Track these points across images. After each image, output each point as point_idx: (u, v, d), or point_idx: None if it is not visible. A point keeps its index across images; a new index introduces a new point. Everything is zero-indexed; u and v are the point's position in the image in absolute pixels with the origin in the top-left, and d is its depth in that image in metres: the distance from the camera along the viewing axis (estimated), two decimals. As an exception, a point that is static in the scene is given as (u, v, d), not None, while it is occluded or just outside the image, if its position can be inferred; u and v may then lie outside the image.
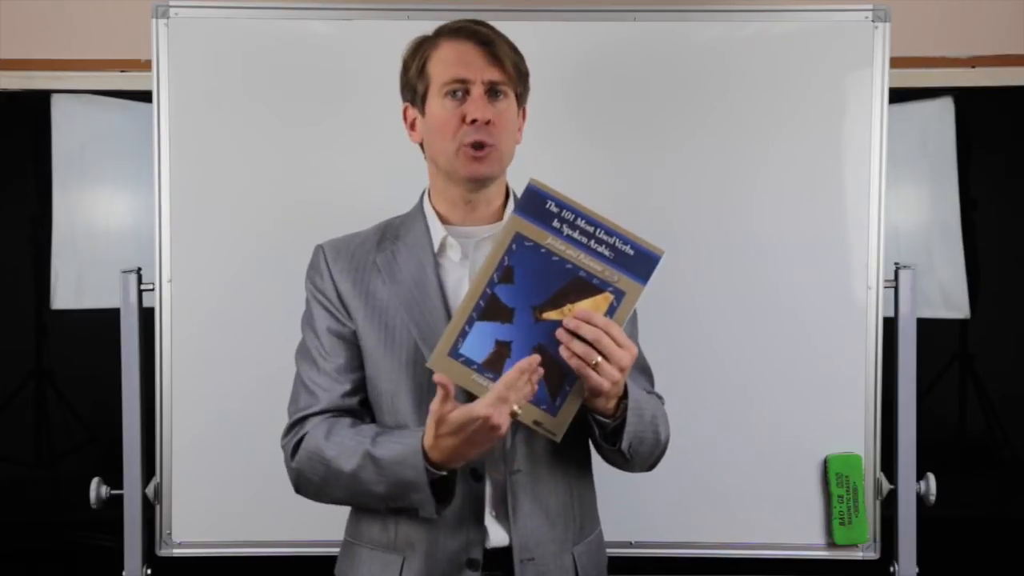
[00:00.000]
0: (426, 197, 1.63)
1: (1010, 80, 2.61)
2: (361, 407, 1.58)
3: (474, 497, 1.53)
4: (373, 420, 1.58)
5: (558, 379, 1.43)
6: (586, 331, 1.39)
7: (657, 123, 2.14)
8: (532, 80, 1.62)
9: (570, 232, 1.44)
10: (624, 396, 1.47)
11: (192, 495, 2.14)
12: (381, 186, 2.04)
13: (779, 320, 2.14)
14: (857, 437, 2.15)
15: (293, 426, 1.57)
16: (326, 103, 2.12)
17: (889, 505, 2.16)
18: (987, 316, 2.72)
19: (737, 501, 2.16)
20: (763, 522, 2.17)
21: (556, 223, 1.44)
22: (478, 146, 1.52)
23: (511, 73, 1.54)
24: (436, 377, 1.37)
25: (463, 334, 1.43)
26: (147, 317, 2.12)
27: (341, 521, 1.68)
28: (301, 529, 2.10)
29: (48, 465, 2.83)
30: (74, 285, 2.62)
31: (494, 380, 1.42)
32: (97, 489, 2.11)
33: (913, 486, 2.14)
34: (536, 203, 1.44)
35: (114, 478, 2.12)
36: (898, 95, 2.33)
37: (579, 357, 1.39)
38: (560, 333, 1.40)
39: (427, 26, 1.61)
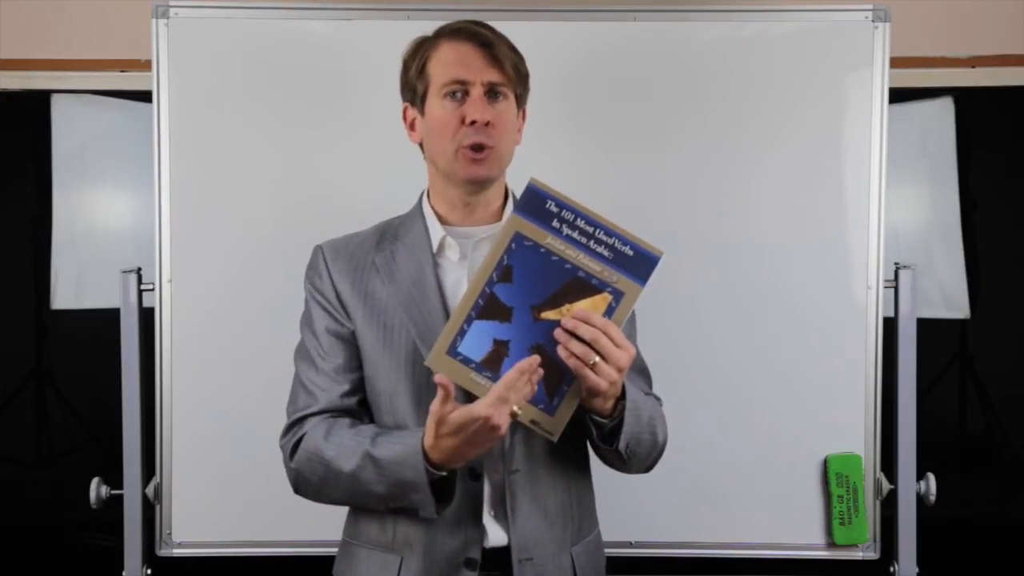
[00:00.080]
0: (425, 198, 1.63)
1: (1010, 80, 2.61)
2: (360, 407, 1.58)
3: (472, 497, 1.53)
4: (372, 420, 1.58)
5: (556, 379, 1.43)
6: (584, 331, 1.39)
7: (657, 123, 2.14)
8: (532, 80, 1.62)
9: (569, 232, 1.44)
10: (622, 397, 1.47)
11: (192, 495, 2.14)
12: (381, 186, 2.04)
13: (779, 320, 2.14)
14: (857, 437, 2.15)
15: (292, 426, 1.57)
16: (326, 103, 2.12)
17: (889, 505, 2.16)
18: (987, 316, 2.72)
19: (737, 501, 2.16)
20: (763, 522, 2.17)
21: (556, 223, 1.44)
22: (477, 148, 1.52)
23: (511, 74, 1.54)
24: (437, 378, 1.37)
25: (461, 333, 1.43)
26: (147, 317, 2.12)
27: (341, 521, 1.67)
28: (301, 529, 2.10)
29: (48, 465, 2.83)
30: (74, 285, 2.62)
31: (492, 379, 1.42)
32: (97, 489, 2.11)
33: (913, 486, 2.14)
34: (536, 203, 1.44)
35: (114, 478, 2.12)
36: (898, 95, 2.33)
37: (577, 357, 1.39)
38: (558, 333, 1.40)
39: (427, 26, 1.61)
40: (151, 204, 2.12)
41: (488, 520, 1.54)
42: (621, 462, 1.53)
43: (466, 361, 1.43)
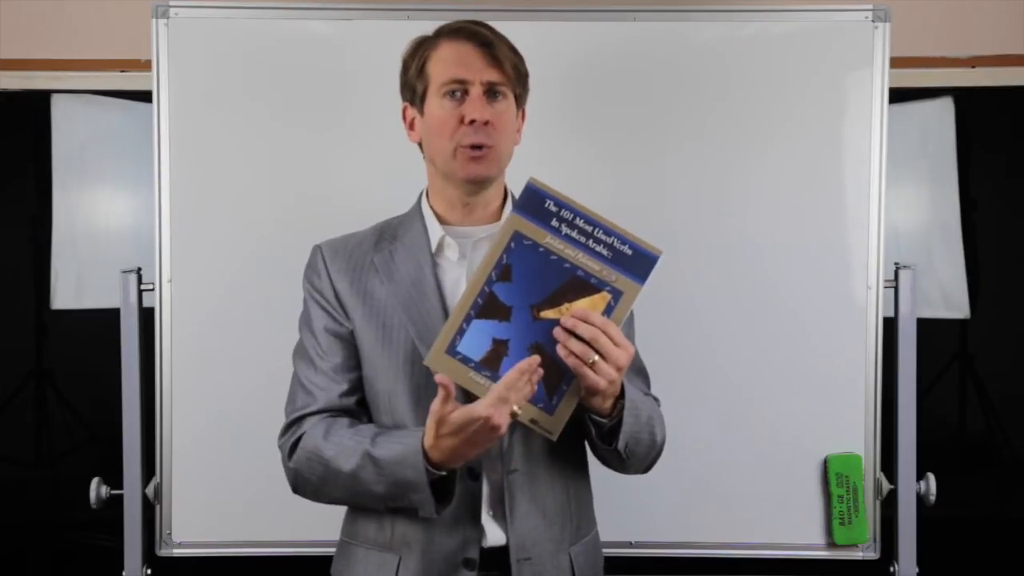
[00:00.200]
0: (424, 197, 1.63)
1: (1010, 80, 2.61)
2: (358, 407, 1.58)
3: (471, 496, 1.52)
4: (370, 420, 1.58)
5: (555, 378, 1.43)
6: (583, 330, 1.39)
7: (657, 123, 2.14)
8: (532, 80, 1.62)
9: (569, 231, 1.44)
10: (621, 396, 1.47)
11: (192, 495, 2.14)
12: (381, 186, 2.04)
13: (779, 320, 2.14)
14: (857, 437, 2.15)
15: (290, 426, 1.57)
16: (326, 103, 2.12)
17: (889, 505, 2.16)
18: (987, 316, 2.72)
19: (737, 501, 2.16)
20: (763, 522, 2.16)
21: (555, 222, 1.44)
22: (476, 147, 1.52)
23: (510, 74, 1.54)
24: (438, 378, 1.37)
25: (460, 332, 1.43)
26: (147, 317, 2.12)
27: (341, 521, 1.67)
28: (301, 529, 2.10)
29: (48, 465, 2.83)
30: (74, 285, 2.62)
31: (491, 378, 1.42)
32: (97, 489, 2.11)
33: (913, 486, 2.14)
34: (535, 202, 1.44)
35: (114, 478, 2.12)
36: (898, 95, 2.33)
37: (576, 356, 1.39)
38: (557, 332, 1.40)
39: (427, 26, 1.61)
40: (151, 204, 2.12)
41: (486, 520, 1.54)
42: (620, 462, 1.53)
43: (465, 360, 1.43)
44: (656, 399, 1.67)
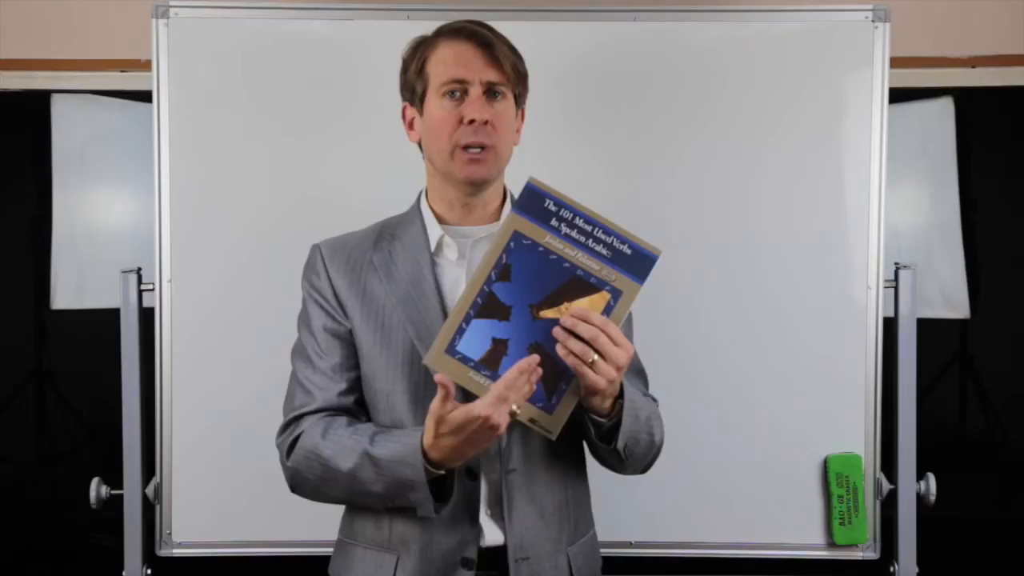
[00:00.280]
0: (423, 197, 1.63)
1: (1010, 80, 2.61)
2: (357, 406, 1.58)
3: (469, 496, 1.52)
4: (368, 419, 1.58)
5: (555, 377, 1.44)
6: (583, 329, 1.39)
7: (657, 123, 2.14)
8: (532, 80, 1.62)
9: (568, 231, 1.44)
10: (620, 396, 1.47)
11: (192, 495, 2.14)
12: (381, 186, 2.04)
13: (779, 320, 2.14)
14: (857, 437, 2.15)
15: (288, 425, 1.57)
16: (326, 103, 2.12)
17: (889, 505, 2.16)
18: (987, 316, 2.71)
19: (737, 501, 2.16)
20: (763, 522, 2.17)
21: (554, 222, 1.44)
22: (475, 147, 1.52)
23: (510, 74, 1.54)
24: (437, 377, 1.37)
25: (460, 331, 1.43)
26: (147, 317, 2.12)
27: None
28: (301, 529, 2.10)
29: (48, 465, 2.83)
30: (74, 285, 2.62)
31: (491, 378, 1.42)
32: (97, 489, 2.11)
33: (913, 486, 2.14)
34: (535, 201, 1.44)
35: (114, 478, 2.12)
36: (898, 95, 2.32)
37: (576, 355, 1.39)
38: (557, 331, 1.40)
39: (427, 26, 1.61)
40: (151, 204, 2.12)
41: (485, 519, 1.54)
42: (619, 461, 1.53)
43: (465, 360, 1.43)
44: (655, 399, 1.67)
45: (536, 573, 1.54)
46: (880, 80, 2.12)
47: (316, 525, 1.93)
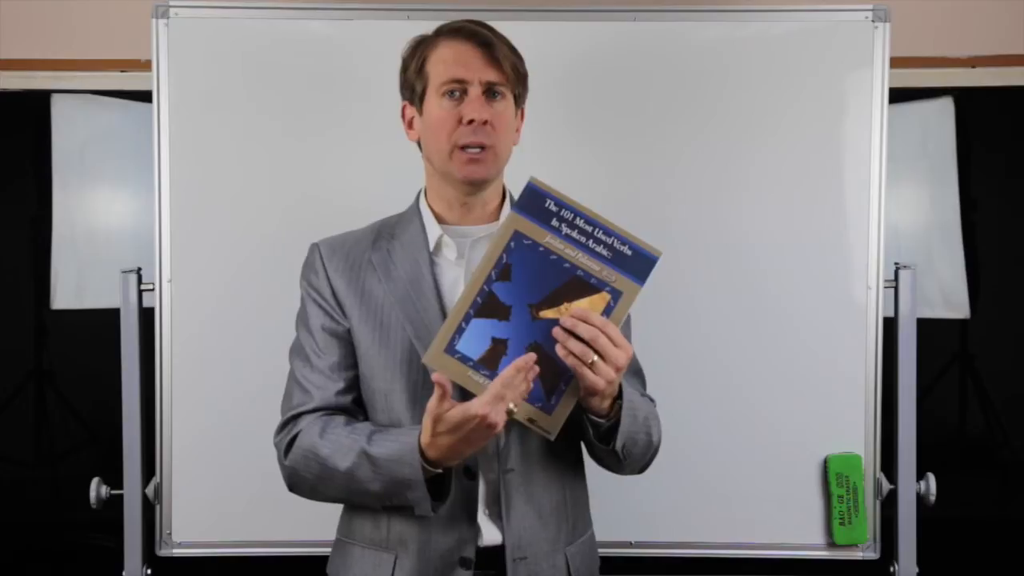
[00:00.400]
0: (422, 196, 1.63)
1: (1010, 80, 2.61)
2: (355, 405, 1.58)
3: (467, 495, 1.52)
4: (366, 418, 1.58)
5: (554, 377, 1.44)
6: (583, 330, 1.39)
7: (657, 123, 2.14)
8: (531, 80, 1.62)
9: (569, 231, 1.44)
10: (619, 396, 1.47)
11: (192, 495, 2.14)
12: (381, 186, 2.03)
13: (779, 320, 2.14)
14: (857, 437, 2.15)
15: (286, 424, 1.57)
16: (326, 103, 2.12)
17: (889, 505, 2.16)
18: (987, 316, 2.72)
19: (737, 501, 2.16)
20: (763, 522, 2.16)
21: (555, 222, 1.44)
22: (474, 147, 1.52)
23: (509, 74, 1.54)
24: (434, 376, 1.37)
25: (459, 331, 1.43)
26: (147, 317, 2.12)
27: (340, 521, 1.68)
28: (301, 529, 2.10)
29: (48, 465, 2.83)
30: (74, 285, 2.62)
31: (490, 377, 1.42)
32: (97, 489, 2.11)
33: (913, 486, 2.14)
34: (535, 201, 1.44)
35: (114, 478, 2.12)
36: (898, 95, 2.32)
37: (575, 356, 1.39)
38: (557, 331, 1.40)
39: (427, 26, 1.61)
40: (151, 204, 2.12)
41: (483, 519, 1.54)
42: (616, 462, 1.53)
43: (464, 359, 1.43)
44: (652, 400, 1.67)
45: (534, 573, 1.54)
46: (880, 80, 2.12)
47: (315, 525, 1.93)
